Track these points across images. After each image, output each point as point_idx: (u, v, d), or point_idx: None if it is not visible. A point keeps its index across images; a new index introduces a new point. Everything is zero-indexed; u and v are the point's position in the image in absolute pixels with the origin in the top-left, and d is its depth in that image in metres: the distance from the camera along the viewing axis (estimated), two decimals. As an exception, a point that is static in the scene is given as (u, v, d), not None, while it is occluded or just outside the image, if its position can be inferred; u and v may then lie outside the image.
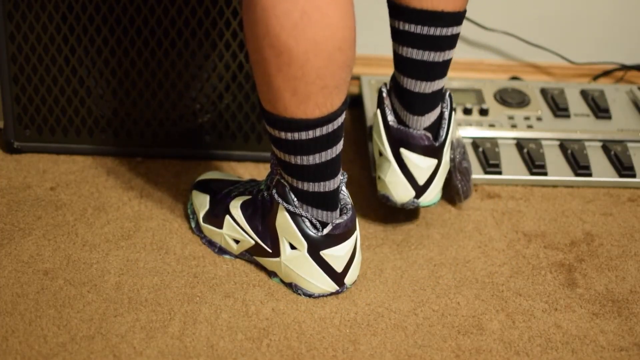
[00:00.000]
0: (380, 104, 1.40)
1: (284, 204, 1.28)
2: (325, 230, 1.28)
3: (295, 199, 1.28)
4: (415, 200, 1.40)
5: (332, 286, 1.31)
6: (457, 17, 1.33)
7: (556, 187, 1.61)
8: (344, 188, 1.31)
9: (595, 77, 1.97)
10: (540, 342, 1.27)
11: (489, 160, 1.62)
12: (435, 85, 1.37)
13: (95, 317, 1.26)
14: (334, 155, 1.25)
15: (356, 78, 1.86)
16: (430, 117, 1.38)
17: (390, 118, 1.39)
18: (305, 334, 1.26)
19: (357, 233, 1.32)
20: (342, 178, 1.31)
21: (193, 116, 1.58)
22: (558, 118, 1.74)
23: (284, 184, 1.27)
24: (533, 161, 1.62)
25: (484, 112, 1.72)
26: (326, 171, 1.26)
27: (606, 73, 1.98)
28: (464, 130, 1.68)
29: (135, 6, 1.50)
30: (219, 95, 1.56)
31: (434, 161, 1.39)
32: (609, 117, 1.74)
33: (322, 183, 1.26)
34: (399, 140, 1.38)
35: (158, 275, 1.34)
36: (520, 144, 1.67)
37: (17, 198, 1.49)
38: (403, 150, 1.38)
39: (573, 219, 1.53)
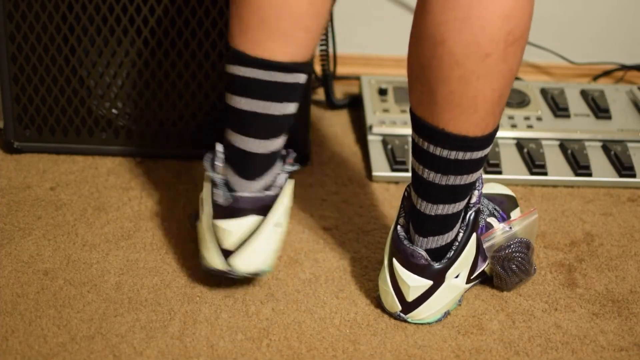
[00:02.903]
0: (401, 203, 1.28)
1: (208, 169, 1.26)
2: (225, 201, 1.24)
3: (218, 165, 1.24)
4: (402, 314, 1.27)
5: (218, 263, 1.26)
6: (464, 141, 1.17)
7: (556, 187, 1.61)
8: (282, 178, 1.27)
9: (595, 77, 1.97)
10: (540, 342, 1.27)
11: (489, 160, 1.62)
12: (440, 209, 1.22)
13: (95, 317, 1.26)
14: (262, 111, 1.22)
15: (356, 78, 1.86)
16: (437, 241, 1.24)
17: (401, 222, 1.26)
18: (305, 334, 1.26)
19: (266, 222, 1.24)
20: (282, 163, 1.27)
21: (193, 116, 1.58)
22: (558, 118, 1.74)
23: (214, 153, 1.26)
24: (533, 161, 1.62)
25: (484, 112, 1.72)
26: (250, 124, 1.23)
27: (606, 73, 1.98)
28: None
29: (135, 6, 1.50)
30: (218, 95, 1.56)
31: (427, 282, 1.24)
32: (609, 117, 1.75)
33: (244, 138, 1.23)
34: (395, 248, 1.25)
35: (158, 275, 1.34)
36: (520, 144, 1.67)
37: (17, 198, 1.49)
38: (395, 261, 1.25)
39: (573, 219, 1.53)
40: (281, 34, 1.18)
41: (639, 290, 1.37)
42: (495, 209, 1.36)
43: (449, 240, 1.25)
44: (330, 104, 1.82)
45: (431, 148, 1.18)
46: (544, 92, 1.80)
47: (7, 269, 1.34)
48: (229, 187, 1.25)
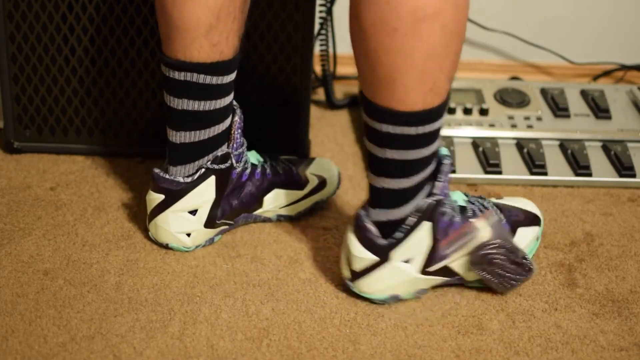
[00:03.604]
0: None
1: None
2: (155, 170, 1.36)
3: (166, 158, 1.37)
4: (349, 282, 1.31)
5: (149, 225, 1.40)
6: (389, 115, 1.19)
7: (556, 187, 1.61)
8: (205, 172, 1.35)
9: (595, 77, 1.97)
10: (540, 342, 1.27)
11: (489, 160, 1.62)
12: (383, 182, 1.25)
13: (95, 317, 1.26)
14: (174, 106, 1.32)
15: (356, 78, 1.86)
16: (386, 214, 1.26)
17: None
18: (305, 334, 1.26)
19: (171, 207, 1.36)
20: (205, 162, 1.35)
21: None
22: (558, 118, 1.74)
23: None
24: (533, 161, 1.62)
25: (484, 112, 1.72)
26: (169, 117, 1.34)
27: (606, 73, 1.98)
28: (464, 130, 1.68)
29: (135, 6, 1.50)
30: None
31: (371, 256, 1.26)
32: (609, 117, 1.75)
33: (168, 130, 1.34)
34: (353, 219, 1.29)
35: (158, 275, 1.34)
36: (520, 144, 1.67)
37: (17, 198, 1.49)
38: (348, 229, 1.29)
39: (573, 219, 1.53)
40: (193, 39, 1.28)
41: (639, 290, 1.37)
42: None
43: (397, 217, 1.26)
44: (330, 104, 1.82)
45: (366, 119, 1.23)
46: (544, 92, 1.80)
47: (7, 269, 1.34)
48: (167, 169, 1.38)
